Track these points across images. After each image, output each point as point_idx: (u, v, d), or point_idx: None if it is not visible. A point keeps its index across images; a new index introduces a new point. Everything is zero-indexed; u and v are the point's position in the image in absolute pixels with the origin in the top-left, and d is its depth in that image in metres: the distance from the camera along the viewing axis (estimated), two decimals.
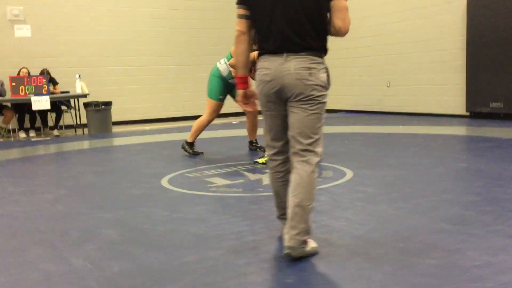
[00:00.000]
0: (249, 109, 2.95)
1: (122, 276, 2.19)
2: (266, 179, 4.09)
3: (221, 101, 5.41)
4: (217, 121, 9.49)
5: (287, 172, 2.46)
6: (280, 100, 2.35)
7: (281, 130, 2.43)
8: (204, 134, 7.47)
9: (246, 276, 2.14)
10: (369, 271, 2.12)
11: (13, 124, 8.30)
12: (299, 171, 2.30)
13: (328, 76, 2.34)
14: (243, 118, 9.66)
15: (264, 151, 5.26)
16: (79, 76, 8.41)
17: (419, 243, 2.44)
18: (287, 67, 2.27)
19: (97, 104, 8.34)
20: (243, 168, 4.67)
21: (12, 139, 7.95)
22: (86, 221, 3.11)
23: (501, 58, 7.43)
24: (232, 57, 5.10)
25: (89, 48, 9.35)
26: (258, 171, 4.48)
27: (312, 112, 2.28)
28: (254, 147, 5.68)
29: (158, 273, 2.21)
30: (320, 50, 2.32)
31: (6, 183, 4.39)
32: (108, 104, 8.47)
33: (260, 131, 5.39)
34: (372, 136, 6.53)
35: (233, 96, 5.41)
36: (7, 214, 3.35)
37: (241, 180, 4.10)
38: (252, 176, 4.25)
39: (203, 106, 10.69)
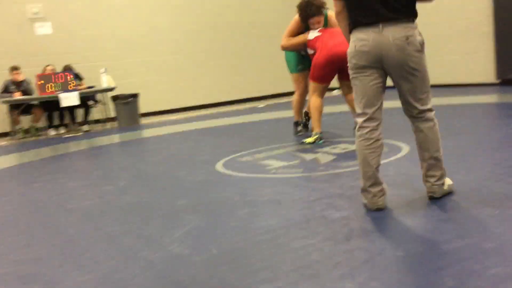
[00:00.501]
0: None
1: (222, 257, 2.21)
2: (322, 157, 4.09)
3: (301, 71, 5.25)
4: (240, 107, 9.52)
5: (376, 139, 2.56)
6: (377, 67, 2.51)
7: (374, 96, 2.55)
8: (233, 120, 7.48)
9: (359, 253, 2.14)
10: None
11: (41, 122, 8.33)
12: (421, 129, 2.58)
13: (422, 38, 2.50)
14: (269, 101, 9.65)
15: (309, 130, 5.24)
16: (105, 69, 8.40)
17: None
18: (385, 38, 2.43)
19: (125, 96, 8.35)
20: (292, 149, 4.66)
21: (42, 137, 7.98)
22: (163, 209, 3.13)
23: None
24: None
25: (109, 42, 9.31)
26: (309, 151, 4.47)
27: (414, 76, 2.49)
28: None
29: (260, 253, 2.23)
30: (412, 16, 2.48)
31: (62, 179, 4.41)
32: (135, 96, 8.47)
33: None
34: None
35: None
36: (78, 208, 3.38)
37: (297, 161, 4.11)
38: (306, 156, 4.25)
39: (225, 93, 10.87)
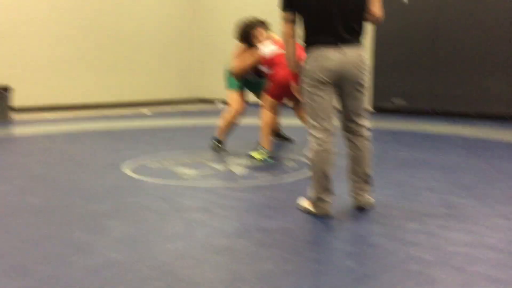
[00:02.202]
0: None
1: (165, 266, 2.10)
2: (236, 169, 4.09)
3: (240, 88, 4.92)
4: (123, 111, 9.13)
5: (332, 151, 2.72)
6: (334, 84, 2.68)
7: (331, 110, 2.71)
8: (122, 124, 7.17)
9: (285, 264, 2.17)
10: None
11: None
12: (357, 145, 2.80)
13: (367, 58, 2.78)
14: (153, 108, 9.38)
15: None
16: None
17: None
18: (347, 57, 2.63)
19: None
20: (198, 158, 4.58)
21: None
22: (78, 213, 2.87)
23: (404, 57, 8.17)
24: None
25: None
26: (218, 161, 4.44)
27: (362, 94, 2.73)
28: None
29: (204, 262, 2.15)
30: (362, 38, 2.72)
31: None
32: (4, 89, 7.68)
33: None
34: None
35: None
36: None
37: (211, 171, 4.04)
38: (218, 167, 4.21)
39: (106, 93, 10.32)
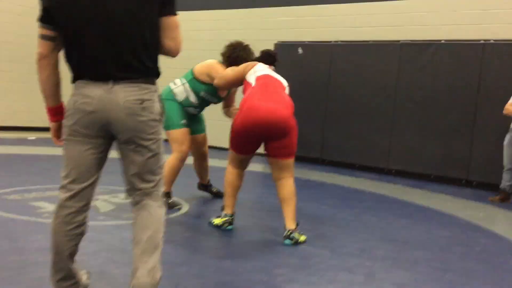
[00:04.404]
0: (61, 144, 2.08)
1: None
2: (101, 206, 3.90)
3: (185, 126, 4.15)
4: (10, 135, 8.55)
5: (79, 225, 2.00)
6: (101, 133, 1.97)
7: (89, 169, 1.99)
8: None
9: None
10: None
11: None
12: (143, 218, 2.01)
13: (162, 105, 2.05)
14: (40, 134, 8.84)
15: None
16: None
17: None
18: (115, 99, 1.91)
19: None
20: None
21: None
22: None
23: (297, 107, 8.40)
24: (194, 76, 4.17)
25: None
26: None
27: (150, 154, 1.99)
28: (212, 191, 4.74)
29: None
30: (152, 75, 2.01)
31: None
32: None
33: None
34: None
35: (191, 130, 4.28)
36: None
37: None
38: None
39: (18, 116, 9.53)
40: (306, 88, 8.21)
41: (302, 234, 3.36)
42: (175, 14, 2.00)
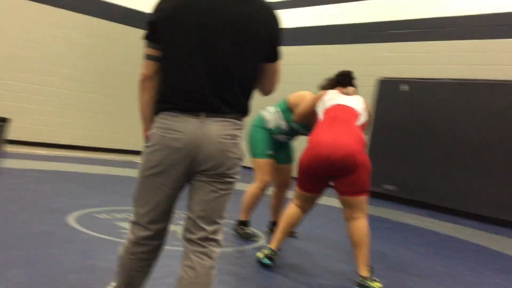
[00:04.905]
0: None
1: None
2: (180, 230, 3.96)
3: (269, 157, 4.05)
4: (116, 156, 9.15)
5: (154, 258, 1.99)
6: (185, 172, 1.84)
7: (166, 209, 1.91)
8: (103, 169, 7.15)
9: None
10: None
11: None
12: (195, 266, 1.85)
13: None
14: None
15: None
16: None
17: None
18: (207, 133, 1.79)
19: None
20: None
21: None
22: None
23: (398, 144, 8.06)
24: (287, 106, 4.05)
25: None
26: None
27: (225, 192, 1.88)
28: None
29: None
30: (243, 112, 1.91)
31: None
32: (3, 120, 7.80)
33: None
34: None
35: (277, 159, 4.18)
36: None
37: None
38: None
39: (107, 138, 10.35)
40: (408, 125, 7.88)
41: (377, 281, 3.11)
42: (278, 60, 1.98)
